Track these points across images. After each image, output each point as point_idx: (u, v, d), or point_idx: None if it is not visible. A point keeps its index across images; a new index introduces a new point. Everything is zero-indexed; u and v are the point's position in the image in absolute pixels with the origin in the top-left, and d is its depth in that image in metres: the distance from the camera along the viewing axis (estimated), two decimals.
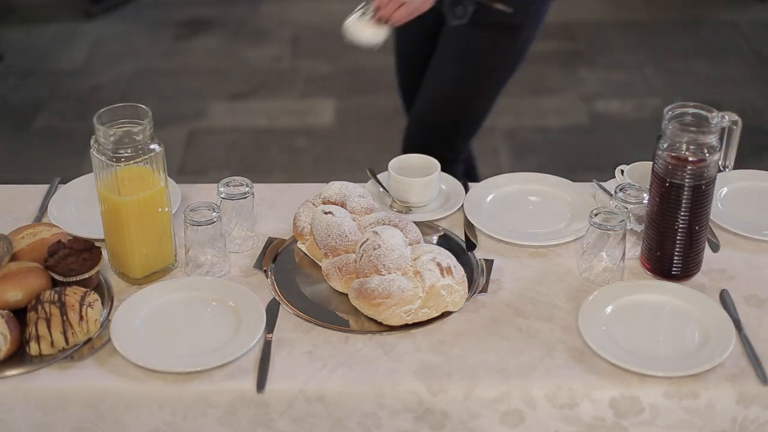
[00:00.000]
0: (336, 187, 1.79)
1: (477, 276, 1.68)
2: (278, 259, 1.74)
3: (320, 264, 1.70)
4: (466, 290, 1.61)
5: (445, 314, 1.60)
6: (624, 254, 1.66)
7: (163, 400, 1.48)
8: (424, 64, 2.47)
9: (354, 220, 1.73)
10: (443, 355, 1.53)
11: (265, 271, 1.71)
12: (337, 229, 1.69)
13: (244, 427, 1.49)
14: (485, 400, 1.47)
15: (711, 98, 4.15)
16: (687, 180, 1.59)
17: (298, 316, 1.60)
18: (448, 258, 1.61)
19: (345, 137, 4.01)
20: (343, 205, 1.76)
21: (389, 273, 1.60)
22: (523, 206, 1.90)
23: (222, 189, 1.75)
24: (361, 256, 1.63)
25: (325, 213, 1.71)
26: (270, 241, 1.78)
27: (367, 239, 1.63)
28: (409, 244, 1.66)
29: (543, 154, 3.95)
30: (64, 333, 1.51)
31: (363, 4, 1.98)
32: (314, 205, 1.78)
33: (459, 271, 1.61)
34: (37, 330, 1.51)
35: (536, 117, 4.19)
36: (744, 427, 1.49)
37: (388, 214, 1.73)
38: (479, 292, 1.64)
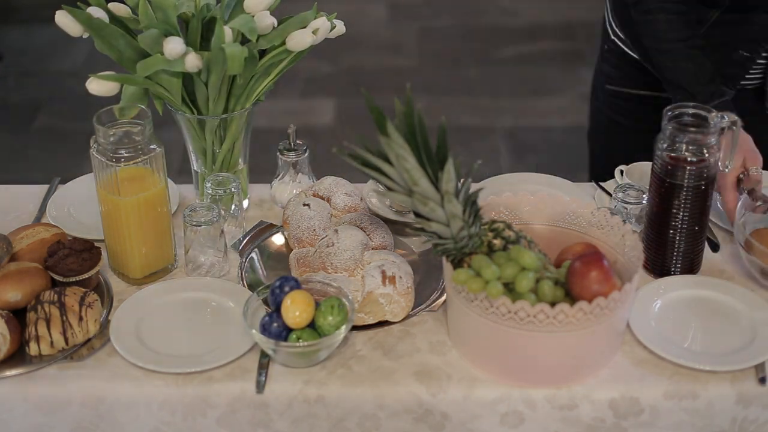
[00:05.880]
0: (327, 182, 1.81)
1: None
2: (261, 243, 1.77)
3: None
4: (411, 303, 1.59)
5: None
6: None
7: (162, 400, 1.48)
8: None
9: (335, 216, 1.76)
10: (443, 355, 1.53)
11: (241, 254, 1.74)
12: (307, 222, 1.71)
13: (244, 428, 1.49)
14: (485, 401, 1.47)
15: None
16: (686, 180, 1.59)
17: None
18: (396, 268, 1.59)
19: (345, 137, 4.01)
20: (329, 201, 1.78)
21: (336, 272, 1.61)
22: None
23: (208, 185, 1.76)
24: (316, 251, 1.65)
25: (303, 205, 1.73)
26: (261, 223, 1.80)
27: (326, 236, 1.66)
28: (372, 248, 1.67)
29: (543, 154, 3.95)
30: (64, 333, 1.51)
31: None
32: (306, 195, 1.79)
33: (404, 282, 1.59)
34: (36, 330, 1.51)
35: (536, 117, 4.20)
36: (743, 427, 1.49)
37: (364, 215, 1.73)
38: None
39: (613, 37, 2.17)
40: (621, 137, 2.22)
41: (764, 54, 2.01)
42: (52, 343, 1.51)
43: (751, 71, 2.01)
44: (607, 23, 2.19)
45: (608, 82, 2.23)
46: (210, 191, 1.75)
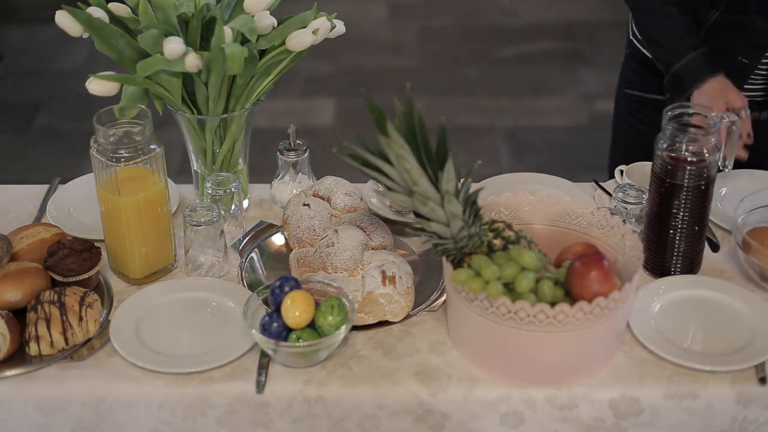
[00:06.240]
0: (327, 183, 1.81)
1: None
2: (261, 243, 1.77)
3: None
4: (411, 303, 1.59)
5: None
6: None
7: (162, 400, 1.48)
8: None
9: (335, 216, 1.76)
10: (443, 355, 1.53)
11: (241, 254, 1.74)
12: (307, 222, 1.71)
13: (244, 428, 1.49)
14: (485, 401, 1.47)
15: None
16: (687, 180, 1.59)
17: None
18: (396, 268, 1.59)
19: (345, 137, 4.01)
20: (329, 201, 1.78)
21: (336, 272, 1.61)
22: None
23: (208, 185, 1.76)
24: (316, 251, 1.65)
25: (303, 205, 1.73)
26: (261, 223, 1.80)
27: (326, 236, 1.66)
28: (372, 248, 1.67)
29: (543, 154, 3.95)
30: (64, 333, 1.51)
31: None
32: (306, 195, 1.79)
33: (404, 282, 1.58)
34: (36, 330, 1.51)
35: (536, 117, 4.19)
36: (743, 427, 1.49)
37: (364, 215, 1.73)
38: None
39: (631, 38, 2.17)
40: (639, 141, 2.22)
41: (764, 61, 2.01)
42: (52, 343, 1.51)
43: (754, 81, 2.00)
44: (629, 25, 2.18)
45: (627, 86, 2.23)
46: (210, 191, 1.75)
